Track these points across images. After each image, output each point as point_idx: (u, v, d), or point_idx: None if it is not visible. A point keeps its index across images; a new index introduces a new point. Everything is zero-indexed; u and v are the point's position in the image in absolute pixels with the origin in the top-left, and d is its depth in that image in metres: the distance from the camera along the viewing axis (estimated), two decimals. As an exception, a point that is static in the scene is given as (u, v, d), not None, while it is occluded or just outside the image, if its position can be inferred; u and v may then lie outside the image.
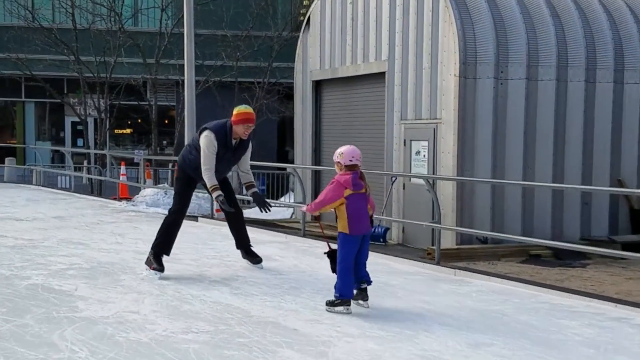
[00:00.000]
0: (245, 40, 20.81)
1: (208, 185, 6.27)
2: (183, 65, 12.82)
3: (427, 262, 7.44)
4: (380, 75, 12.47)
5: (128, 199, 13.03)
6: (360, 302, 5.40)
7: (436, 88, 11.13)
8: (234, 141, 6.34)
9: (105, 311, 5.18)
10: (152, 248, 6.53)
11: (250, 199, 6.66)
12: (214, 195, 6.28)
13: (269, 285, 6.21)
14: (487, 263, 10.10)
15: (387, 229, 11.96)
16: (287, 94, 20.47)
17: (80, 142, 24.96)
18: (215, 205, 11.08)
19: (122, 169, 13.65)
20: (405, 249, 11.50)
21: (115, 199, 13.42)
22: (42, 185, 16.45)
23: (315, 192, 14.77)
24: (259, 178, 18.20)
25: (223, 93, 21.16)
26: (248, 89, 21.04)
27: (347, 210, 5.13)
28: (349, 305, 5.24)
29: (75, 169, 22.89)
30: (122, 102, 21.52)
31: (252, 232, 9.21)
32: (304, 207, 5.59)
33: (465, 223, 10.81)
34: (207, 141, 6.22)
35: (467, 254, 10.45)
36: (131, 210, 11.72)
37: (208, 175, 6.23)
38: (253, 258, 6.92)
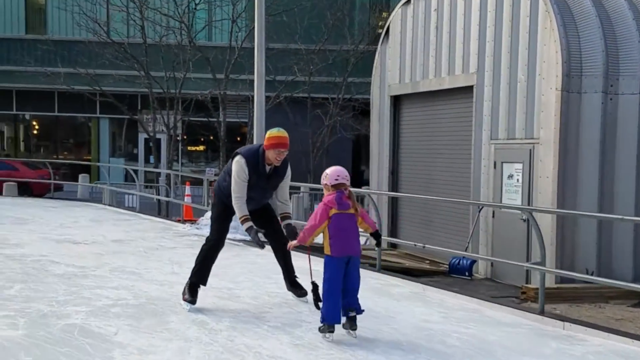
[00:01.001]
0: (319, 54, 20.16)
1: (238, 216, 5.87)
2: (254, 80, 12.21)
3: (528, 310, 6.37)
4: (468, 90, 11.48)
5: (192, 221, 12.49)
6: (350, 331, 5.27)
7: (533, 104, 10.04)
8: (267, 167, 5.89)
9: (143, 365, 4.46)
10: (189, 277, 6.14)
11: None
12: (244, 227, 5.86)
13: (337, 335, 5.35)
14: (593, 306, 8.88)
15: (473, 262, 10.90)
16: (363, 110, 19.68)
17: (152, 159, 24.96)
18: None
19: (187, 189, 13.14)
20: (495, 286, 10.39)
21: (179, 220, 12.92)
22: (110, 205, 16.22)
23: (392, 219, 13.85)
24: (332, 200, 17.38)
25: (295, 109, 20.58)
26: (321, 105, 20.36)
27: (330, 231, 5.06)
28: (332, 331, 5.13)
29: (147, 187, 22.89)
30: (192, 119, 21.27)
31: (318, 265, 8.42)
32: (293, 242, 5.35)
33: (566, 258, 9.64)
34: (237, 167, 5.83)
35: (569, 294, 9.26)
36: (194, 234, 11.15)
37: (238, 204, 5.84)
38: (298, 290, 6.41)
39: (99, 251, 9.04)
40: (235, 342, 5.09)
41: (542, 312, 6.22)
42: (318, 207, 5.20)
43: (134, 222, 12.57)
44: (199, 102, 19.78)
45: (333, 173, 5.21)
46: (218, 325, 5.50)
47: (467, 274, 10.91)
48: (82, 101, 22.43)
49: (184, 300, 6.02)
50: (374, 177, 14.33)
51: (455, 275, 11.04)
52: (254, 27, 12.09)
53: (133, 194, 16.78)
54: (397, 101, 13.74)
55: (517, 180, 10.36)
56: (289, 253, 6.39)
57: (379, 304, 6.56)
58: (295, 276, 6.45)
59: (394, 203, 13.76)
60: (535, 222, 6.46)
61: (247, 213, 5.81)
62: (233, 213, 6.12)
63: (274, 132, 5.85)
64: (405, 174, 13.64)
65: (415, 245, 7.62)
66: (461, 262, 10.96)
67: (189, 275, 6.18)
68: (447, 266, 11.34)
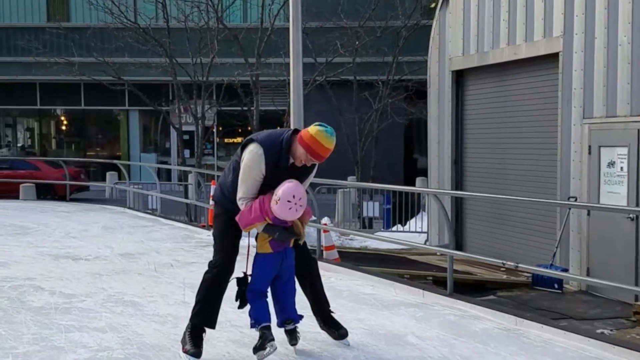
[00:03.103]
0: (366, 29, 18.34)
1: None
2: (288, 62, 10.63)
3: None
4: (551, 59, 9.66)
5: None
6: (289, 346, 4.63)
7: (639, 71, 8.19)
8: (290, 160, 4.43)
9: None
10: (190, 319, 4.63)
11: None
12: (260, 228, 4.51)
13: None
14: None
15: (564, 270, 9.08)
16: (418, 91, 17.85)
17: (187, 153, 23.62)
18: (323, 241, 8.72)
19: (212, 188, 11.60)
20: (594, 302, 8.59)
21: (203, 226, 11.41)
22: (132, 207, 14.86)
23: (457, 216, 12.09)
24: (383, 195, 15.69)
25: (339, 93, 18.88)
26: (370, 87, 18.56)
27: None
28: (272, 340, 4.41)
29: (181, 185, 21.56)
30: (223, 108, 19.81)
31: (369, 283, 6.82)
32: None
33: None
34: (251, 159, 4.33)
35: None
36: (220, 243, 9.61)
37: (241, 200, 4.43)
38: (335, 331, 4.84)
39: (99, 270, 7.60)
40: None
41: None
42: (255, 204, 4.37)
43: (152, 229, 11.12)
44: (231, 89, 18.28)
45: (289, 192, 4.30)
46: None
47: (556, 286, 9.15)
48: (110, 93, 21.14)
49: (184, 352, 4.49)
50: (434, 167, 12.59)
51: (541, 287, 9.29)
52: (288, -1, 10.48)
53: (154, 195, 15.29)
54: (460, 77, 11.98)
55: (621, 168, 8.52)
56: (319, 277, 4.87)
57: (457, 349, 4.86)
58: (331, 311, 4.90)
59: (457, 198, 11.99)
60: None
61: None
62: None
63: (324, 135, 4.23)
64: (471, 164, 11.87)
65: (504, 264, 5.92)
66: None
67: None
68: (530, 276, 9.59)
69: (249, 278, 4.53)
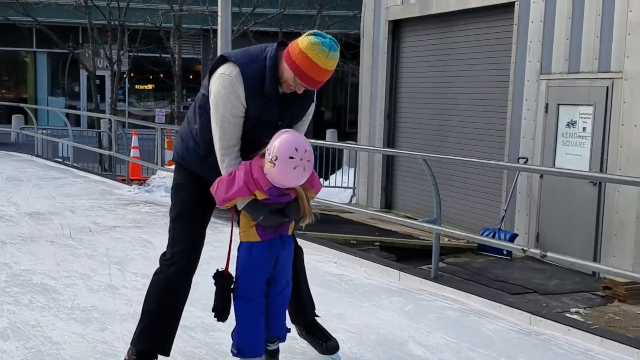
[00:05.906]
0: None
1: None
2: (213, 10, 8.66)
3: None
4: (505, 8, 8.22)
5: (141, 180, 9.01)
6: None
7: (612, 23, 6.87)
8: (280, 88, 2.75)
9: None
10: (132, 341, 2.89)
11: None
12: (239, 205, 2.81)
13: None
14: None
15: (514, 236, 7.86)
16: (346, 44, 16.09)
17: (98, 98, 20.87)
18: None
19: (134, 139, 9.57)
20: (549, 271, 7.39)
21: (123, 180, 9.41)
22: (40, 155, 12.49)
23: (387, 175, 10.67)
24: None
25: (263, 42, 16.80)
26: (296, 37, 16.62)
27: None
28: None
29: (90, 130, 19.02)
30: (139, 54, 17.36)
31: (330, 258, 5.20)
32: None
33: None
34: (223, 83, 2.66)
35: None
36: (143, 200, 7.76)
37: (223, 155, 2.73)
38: (321, 342, 3.17)
39: (2, 237, 5.71)
40: None
41: None
42: (238, 172, 2.71)
43: (64, 182, 9.04)
44: (148, 35, 15.90)
45: (290, 144, 2.62)
46: None
47: (504, 252, 7.91)
48: (17, 34, 18.14)
49: None
50: (364, 122, 11.06)
51: (487, 253, 8.04)
52: None
53: (65, 143, 12.92)
54: (396, 28, 10.37)
55: (584, 129, 7.26)
56: (304, 274, 3.23)
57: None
58: (316, 314, 3.29)
59: (388, 157, 10.54)
60: None
61: None
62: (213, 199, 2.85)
63: (319, 50, 2.58)
64: (406, 119, 10.42)
65: (524, 251, 4.47)
66: (497, 235, 7.90)
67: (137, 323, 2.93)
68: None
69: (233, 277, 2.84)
